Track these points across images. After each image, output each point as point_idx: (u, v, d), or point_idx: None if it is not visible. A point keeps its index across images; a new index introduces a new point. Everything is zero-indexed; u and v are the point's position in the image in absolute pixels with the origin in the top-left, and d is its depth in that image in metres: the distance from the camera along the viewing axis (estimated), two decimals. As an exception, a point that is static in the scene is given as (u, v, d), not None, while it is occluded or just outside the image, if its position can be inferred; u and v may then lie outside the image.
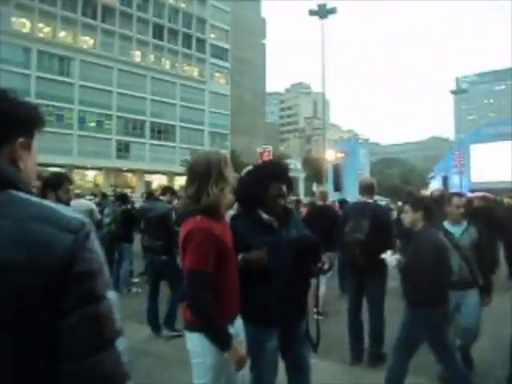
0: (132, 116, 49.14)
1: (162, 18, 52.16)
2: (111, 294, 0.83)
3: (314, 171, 50.91)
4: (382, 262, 3.26)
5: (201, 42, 56.21)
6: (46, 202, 0.88)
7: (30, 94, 41.96)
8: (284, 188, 2.39)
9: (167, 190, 5.82)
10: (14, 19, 41.68)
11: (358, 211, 4.04)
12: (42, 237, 0.77)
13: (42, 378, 0.77)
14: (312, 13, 27.86)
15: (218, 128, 57.16)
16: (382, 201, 11.97)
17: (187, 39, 54.70)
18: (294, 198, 10.12)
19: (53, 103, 43.38)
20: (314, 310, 5.71)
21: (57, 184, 2.98)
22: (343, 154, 26.74)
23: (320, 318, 5.61)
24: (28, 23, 42.77)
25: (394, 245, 4.01)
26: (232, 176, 2.14)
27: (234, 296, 2.12)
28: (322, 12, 27.90)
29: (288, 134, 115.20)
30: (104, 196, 9.90)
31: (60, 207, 0.85)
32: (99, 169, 47.48)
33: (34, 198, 0.85)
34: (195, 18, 55.41)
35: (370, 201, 4.15)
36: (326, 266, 2.32)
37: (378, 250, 3.30)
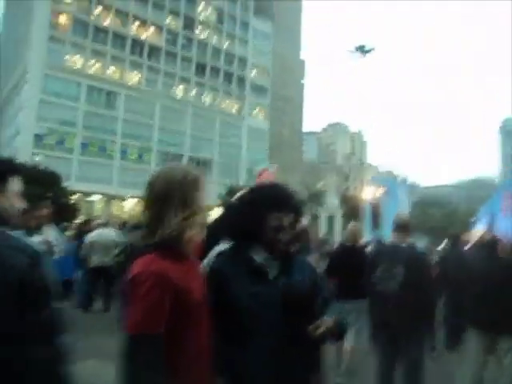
0: (171, 149, 50.27)
1: (205, 57, 54.13)
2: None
3: (352, 209, 49.58)
4: (421, 321, 2.57)
5: (241, 80, 57.67)
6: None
7: (78, 125, 44.10)
8: (288, 219, 1.78)
9: None
10: (67, 56, 44.48)
11: (390, 254, 3.34)
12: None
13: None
14: (351, 54, 28.04)
15: (257, 163, 57.29)
16: (422, 240, 10.95)
17: (228, 77, 56.31)
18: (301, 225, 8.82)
19: (97, 135, 45.26)
20: (337, 370, 4.97)
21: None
22: (382, 192, 25.63)
23: (344, 382, 4.84)
24: (80, 60, 45.44)
25: (433, 310, 3.23)
26: (203, 201, 1.61)
27: (202, 366, 1.55)
28: (361, 53, 28.03)
29: (325, 171, 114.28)
30: (124, 225, 9.62)
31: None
32: (138, 198, 48.38)
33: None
34: (237, 57, 57.17)
35: (406, 243, 3.39)
36: (319, 331, 1.60)
37: (417, 307, 2.60)
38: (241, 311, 1.67)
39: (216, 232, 1.92)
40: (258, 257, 1.77)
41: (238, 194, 1.91)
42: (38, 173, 28.25)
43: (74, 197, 37.84)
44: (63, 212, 24.39)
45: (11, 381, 1.42)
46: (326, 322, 1.64)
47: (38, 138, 42.17)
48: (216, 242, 1.93)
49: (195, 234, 1.57)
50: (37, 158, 38.75)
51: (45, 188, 25.70)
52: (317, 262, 5.52)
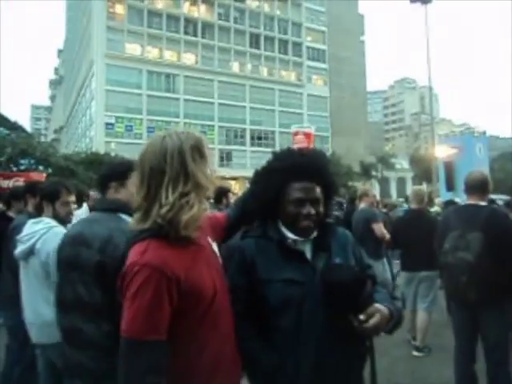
0: (233, 125, 50.58)
1: (258, 27, 53.04)
2: None
3: (423, 170, 46.82)
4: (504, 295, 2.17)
5: (297, 46, 55.92)
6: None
7: (142, 111, 45.82)
8: (314, 190, 1.48)
9: None
10: (127, 45, 45.91)
11: (463, 219, 2.84)
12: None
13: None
14: (412, 1, 25.61)
15: (318, 131, 55.69)
16: (500, 199, 9.85)
17: (283, 45, 54.83)
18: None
19: (161, 118, 46.71)
20: (413, 342, 4.64)
21: (53, 196, 2.47)
22: (456, 150, 23.80)
23: (420, 354, 4.52)
24: (138, 47, 46.69)
25: None
26: (206, 174, 1.30)
27: (224, 371, 1.31)
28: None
29: (393, 132, 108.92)
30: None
31: None
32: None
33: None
34: (291, 23, 55.36)
35: (482, 203, 2.91)
36: (371, 323, 1.30)
37: (497, 279, 2.20)
38: (273, 302, 1.41)
39: (245, 208, 1.68)
40: (289, 235, 1.49)
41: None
42: (111, 160, 29.83)
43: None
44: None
45: None
46: (379, 310, 1.34)
47: (109, 126, 44.46)
48: (248, 220, 1.68)
49: (199, 212, 1.27)
50: (113, 146, 41.07)
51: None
52: (384, 229, 5.13)
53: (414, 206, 4.71)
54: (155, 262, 1.18)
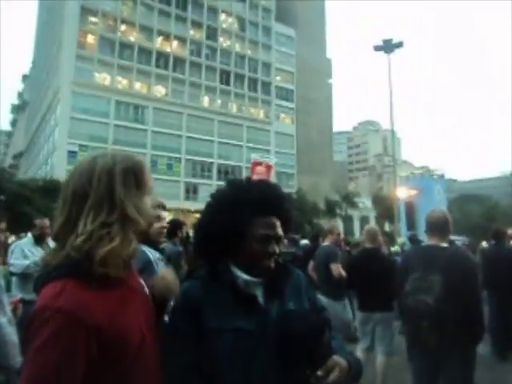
0: (200, 158, 50.55)
1: (229, 65, 54.36)
2: None
3: (386, 210, 48.07)
4: (466, 342, 2.05)
5: (266, 85, 57.54)
6: None
7: (108, 140, 45.09)
8: (278, 226, 1.33)
9: None
10: (96, 74, 45.69)
11: (424, 260, 2.72)
12: None
13: None
14: (378, 48, 26.97)
15: (284, 167, 56.75)
16: (458, 240, 10.08)
17: (253, 83, 56.28)
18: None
19: (128, 148, 46.06)
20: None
21: None
22: (416, 192, 24.62)
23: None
24: (108, 77, 46.55)
25: (482, 326, 2.65)
26: (137, 204, 1.11)
27: None
28: (388, 47, 26.90)
29: (357, 172, 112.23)
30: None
31: None
32: (168, 210, 48.81)
33: None
34: (261, 63, 57.10)
35: (444, 245, 2.83)
36: (331, 379, 1.12)
37: (459, 324, 2.07)
38: (222, 355, 1.21)
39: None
40: (241, 277, 1.31)
41: (215, 190, 1.46)
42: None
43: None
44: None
45: None
46: (338, 363, 1.17)
47: (72, 154, 43.34)
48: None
49: (122, 247, 1.06)
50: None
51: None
52: (341, 270, 5.00)
53: (367, 244, 4.58)
54: (72, 307, 0.97)
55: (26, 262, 4.39)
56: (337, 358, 1.18)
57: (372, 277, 4.15)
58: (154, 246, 2.35)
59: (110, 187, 1.09)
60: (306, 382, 1.15)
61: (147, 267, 2.13)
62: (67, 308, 0.97)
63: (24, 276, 4.41)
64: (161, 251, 2.45)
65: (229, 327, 1.22)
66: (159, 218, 2.44)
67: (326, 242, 5.34)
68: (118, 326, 1.04)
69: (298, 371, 1.17)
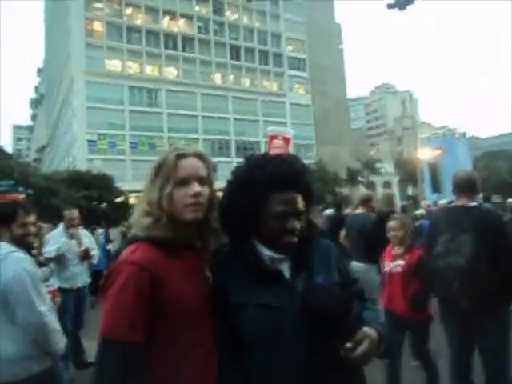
0: (217, 137, 50.51)
1: (238, 39, 53.39)
2: None
3: (409, 173, 47.31)
4: (500, 300, 2.02)
5: (278, 57, 56.41)
6: None
7: (125, 127, 45.46)
8: (298, 202, 1.30)
9: None
10: (107, 61, 45.70)
11: (453, 221, 2.68)
12: None
13: None
14: (390, 6, 26.01)
15: (303, 139, 56.13)
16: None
17: (264, 55, 55.26)
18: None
19: (144, 133, 46.40)
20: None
21: (8, 218, 2.26)
22: (439, 152, 24.02)
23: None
24: (119, 63, 46.51)
25: None
26: (151, 191, 1.32)
27: None
28: (401, 4, 25.91)
29: (377, 137, 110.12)
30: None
31: None
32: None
33: None
34: (270, 34, 55.87)
35: (473, 204, 2.77)
36: (359, 351, 1.13)
37: (491, 284, 2.04)
38: (247, 331, 1.23)
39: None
40: (266, 254, 1.31)
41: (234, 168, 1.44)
42: (93, 177, 29.46)
43: (133, 195, 39.30)
44: (115, 211, 25.30)
45: None
46: (368, 335, 1.16)
47: (91, 143, 43.96)
48: None
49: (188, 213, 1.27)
50: (97, 163, 40.55)
51: (100, 190, 26.78)
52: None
53: (385, 208, 4.59)
54: (141, 260, 1.19)
55: (56, 246, 4.54)
56: (367, 330, 1.17)
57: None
58: None
59: (146, 183, 1.36)
60: (335, 355, 1.15)
61: None
62: (137, 260, 1.19)
63: (61, 264, 4.58)
64: None
65: (252, 303, 1.23)
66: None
67: (361, 210, 5.25)
68: (181, 289, 1.22)
69: (327, 346, 1.16)
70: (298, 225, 1.29)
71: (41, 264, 3.62)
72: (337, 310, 1.14)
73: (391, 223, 3.36)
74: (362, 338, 1.14)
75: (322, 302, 1.16)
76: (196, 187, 1.27)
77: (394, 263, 3.29)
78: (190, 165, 1.30)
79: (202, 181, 1.31)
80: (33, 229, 2.37)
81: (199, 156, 1.35)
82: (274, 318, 1.22)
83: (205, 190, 1.30)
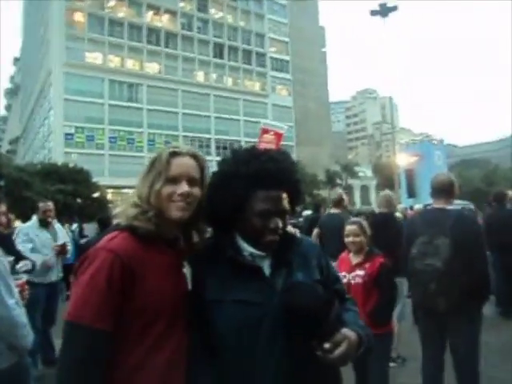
0: (197, 135, 50.17)
1: (222, 38, 53.22)
2: None
3: (386, 178, 48.09)
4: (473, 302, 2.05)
5: (261, 57, 56.50)
6: None
7: (104, 121, 44.67)
8: (282, 200, 1.27)
9: None
10: (87, 54, 44.80)
11: (430, 224, 2.73)
12: None
13: None
14: (373, 13, 26.32)
15: (283, 140, 56.37)
16: (459, 205, 10.08)
17: (247, 55, 55.24)
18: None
19: (124, 128, 45.72)
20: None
21: None
22: (416, 158, 24.53)
23: (394, 365, 4.35)
24: (100, 55, 45.67)
25: (488, 287, 2.69)
26: (142, 185, 1.31)
27: None
28: (384, 11, 26.24)
29: (356, 141, 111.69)
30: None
31: None
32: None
33: None
34: (254, 34, 55.90)
35: (449, 207, 2.82)
36: (337, 353, 1.10)
37: (466, 286, 2.08)
38: (223, 327, 1.20)
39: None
40: (247, 250, 1.28)
41: (220, 160, 1.40)
42: (69, 171, 28.82)
43: (110, 191, 38.65)
44: (92, 206, 24.84)
45: None
46: (347, 337, 1.13)
47: (68, 137, 43.03)
48: None
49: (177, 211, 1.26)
50: (74, 157, 39.71)
51: (77, 185, 26.21)
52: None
53: (383, 209, 4.64)
54: (116, 247, 1.19)
55: (34, 261, 4.19)
56: (346, 332, 1.15)
57: (384, 241, 4.17)
58: None
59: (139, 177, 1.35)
60: (312, 355, 1.12)
61: None
62: (114, 248, 1.18)
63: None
64: None
65: (229, 298, 1.21)
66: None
67: (336, 210, 5.30)
68: (151, 280, 1.20)
69: (305, 345, 1.13)
70: (280, 224, 1.26)
71: (20, 257, 3.49)
72: (318, 309, 1.11)
73: (349, 227, 3.04)
74: (340, 340, 1.11)
75: (304, 300, 1.13)
76: (185, 187, 1.26)
77: (352, 274, 2.95)
78: (182, 164, 1.29)
79: (193, 181, 1.29)
80: (3, 219, 2.28)
81: (194, 156, 1.34)
82: (251, 315, 1.20)
83: (194, 191, 1.28)
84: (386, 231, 4.24)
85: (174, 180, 1.27)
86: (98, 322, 1.11)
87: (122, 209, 1.30)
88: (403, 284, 4.24)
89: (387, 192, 5.12)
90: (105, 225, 5.63)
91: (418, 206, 10.06)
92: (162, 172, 1.26)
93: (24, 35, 70.23)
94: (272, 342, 1.19)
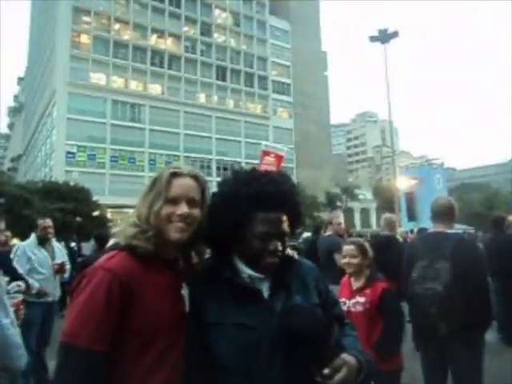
0: (198, 155, 50.45)
1: (225, 60, 54.15)
2: None
3: (386, 201, 48.07)
4: (474, 329, 2.02)
5: (263, 80, 57.35)
6: None
7: (106, 140, 45.00)
8: (282, 223, 1.27)
9: None
10: (92, 74, 45.51)
11: (430, 247, 2.70)
12: None
13: None
14: (373, 39, 26.79)
15: (284, 162, 56.64)
16: (459, 230, 10.07)
17: (249, 78, 56.10)
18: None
19: (126, 148, 46.02)
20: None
21: None
22: (416, 181, 24.53)
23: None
24: (103, 76, 46.37)
25: (490, 313, 2.66)
26: (151, 209, 1.27)
27: None
28: (384, 37, 26.72)
29: (356, 164, 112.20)
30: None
31: None
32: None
33: None
34: (256, 57, 56.90)
35: (450, 231, 2.81)
36: (337, 379, 1.07)
37: (467, 311, 2.05)
38: (221, 350, 1.18)
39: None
40: (245, 272, 1.27)
41: (221, 179, 1.42)
42: (69, 189, 28.85)
43: (110, 210, 38.58)
44: (92, 225, 24.76)
45: None
46: (346, 362, 1.11)
47: (70, 155, 43.26)
48: None
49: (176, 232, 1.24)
50: (75, 176, 39.82)
51: (77, 203, 26.18)
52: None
53: (386, 232, 4.66)
54: (114, 267, 1.18)
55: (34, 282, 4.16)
56: (345, 357, 1.13)
57: (390, 262, 4.15)
58: None
59: (160, 186, 1.30)
60: (311, 380, 1.10)
61: None
62: (112, 267, 1.17)
63: (30, 275, 4.35)
64: None
65: (229, 322, 1.19)
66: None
67: (328, 233, 5.34)
68: (149, 300, 1.18)
69: (303, 369, 1.12)
70: (280, 246, 1.26)
71: (17, 277, 3.45)
72: (317, 332, 1.10)
73: (346, 247, 2.84)
74: (340, 365, 1.10)
75: (303, 323, 1.12)
76: (184, 208, 1.25)
77: (352, 300, 2.74)
78: (183, 184, 1.29)
79: (193, 202, 1.28)
80: (1, 237, 2.27)
81: (194, 177, 1.33)
82: (250, 338, 1.18)
83: (194, 212, 1.27)
84: (388, 253, 4.23)
85: (174, 201, 1.26)
86: (96, 343, 1.09)
87: (121, 228, 1.29)
88: (405, 308, 4.22)
89: (389, 215, 5.16)
90: (102, 241, 5.38)
91: (401, 230, 10.11)
92: (161, 192, 1.26)
93: (29, 55, 71.48)
94: (270, 365, 1.17)
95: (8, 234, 3.71)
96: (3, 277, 2.27)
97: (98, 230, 7.60)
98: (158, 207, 1.25)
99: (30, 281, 3.92)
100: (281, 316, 1.19)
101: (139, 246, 1.22)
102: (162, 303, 1.22)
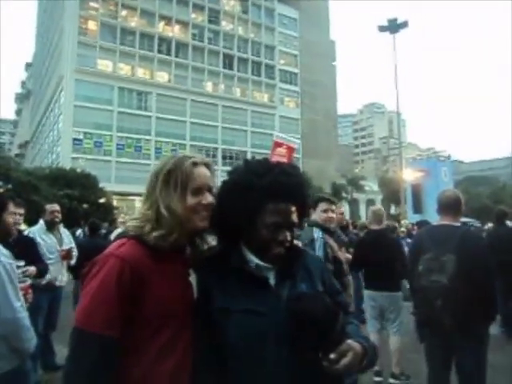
0: (204, 144, 50.42)
1: (232, 49, 53.76)
2: None
3: (392, 193, 47.94)
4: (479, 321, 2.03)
5: (270, 69, 56.92)
6: None
7: (113, 127, 45.06)
8: (292, 214, 1.29)
9: None
10: (99, 61, 45.41)
11: (436, 240, 2.69)
12: None
13: None
14: (382, 29, 26.41)
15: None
16: (468, 223, 10.02)
17: (257, 67, 55.69)
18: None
19: (132, 135, 46.08)
20: (393, 370, 4.37)
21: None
22: (422, 174, 24.44)
23: (396, 382, 4.31)
24: (110, 63, 46.26)
25: (495, 306, 2.68)
26: (179, 201, 1.26)
27: None
28: (393, 27, 26.32)
29: (363, 155, 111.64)
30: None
31: None
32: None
33: None
34: (264, 46, 56.41)
35: (456, 224, 2.80)
36: (343, 363, 1.10)
37: (473, 303, 2.06)
38: (231, 335, 1.21)
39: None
40: (253, 261, 1.29)
41: (232, 168, 1.43)
42: (76, 176, 28.99)
43: (116, 197, 38.81)
44: (98, 212, 24.93)
45: None
46: (352, 348, 1.13)
47: (77, 142, 43.42)
48: None
49: (156, 234, 1.23)
50: (81, 163, 40.01)
51: (83, 190, 26.36)
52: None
53: (374, 226, 4.55)
54: (124, 254, 1.19)
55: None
56: (351, 343, 1.15)
57: (378, 258, 4.16)
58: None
59: (153, 187, 1.29)
60: (318, 366, 1.13)
61: (310, 244, 2.98)
62: (123, 254, 1.18)
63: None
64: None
65: (238, 308, 1.22)
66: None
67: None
68: (159, 286, 1.20)
69: (311, 354, 1.14)
70: (289, 236, 1.29)
71: (36, 260, 3.54)
72: (326, 317, 1.12)
73: None
74: (346, 350, 1.12)
75: (313, 307, 1.14)
76: (209, 197, 1.29)
77: None
78: (203, 174, 1.31)
79: (211, 191, 1.32)
80: (21, 220, 2.34)
81: (208, 165, 1.35)
82: (259, 324, 1.21)
83: (213, 200, 1.31)
84: (379, 249, 4.22)
85: (199, 191, 1.28)
86: (108, 329, 1.11)
87: (137, 224, 1.27)
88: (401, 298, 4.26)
89: (377, 207, 4.95)
90: (94, 228, 6.65)
91: (405, 222, 10.03)
92: (186, 183, 1.26)
93: (37, 42, 71.39)
94: (279, 351, 1.20)
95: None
96: (18, 261, 2.32)
97: (92, 218, 8.47)
98: (184, 197, 1.26)
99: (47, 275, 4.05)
100: (289, 302, 1.21)
101: (149, 240, 1.22)
102: (172, 290, 1.24)
